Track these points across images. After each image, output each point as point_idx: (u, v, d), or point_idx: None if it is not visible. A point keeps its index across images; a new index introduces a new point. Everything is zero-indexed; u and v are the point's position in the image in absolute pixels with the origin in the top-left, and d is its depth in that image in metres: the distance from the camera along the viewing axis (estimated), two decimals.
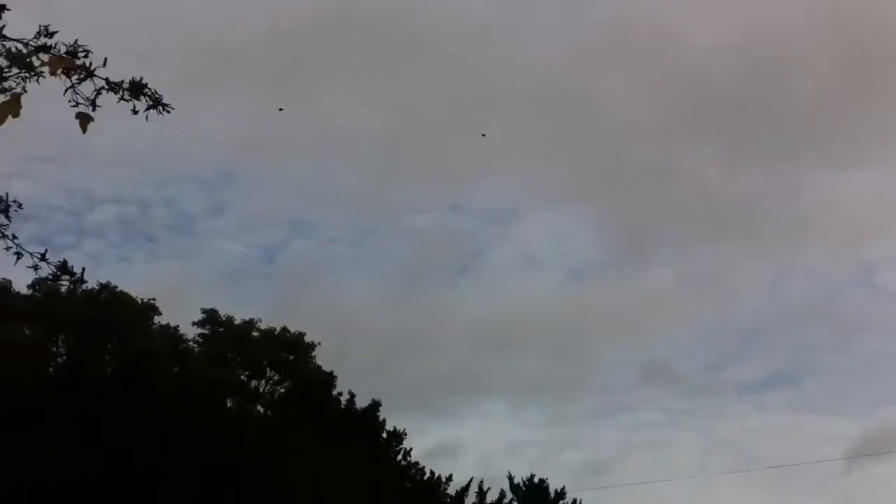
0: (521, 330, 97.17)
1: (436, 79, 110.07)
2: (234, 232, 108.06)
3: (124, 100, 6.97)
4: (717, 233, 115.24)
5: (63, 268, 10.63)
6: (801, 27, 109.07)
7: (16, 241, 10.86)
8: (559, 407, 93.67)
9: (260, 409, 46.81)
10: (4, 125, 6.97)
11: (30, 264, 11.85)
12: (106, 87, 6.93)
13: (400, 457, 46.81)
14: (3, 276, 37.36)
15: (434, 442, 76.90)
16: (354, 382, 50.01)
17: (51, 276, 11.06)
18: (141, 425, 38.23)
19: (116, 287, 39.96)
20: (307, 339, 47.60)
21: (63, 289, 39.36)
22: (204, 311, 46.75)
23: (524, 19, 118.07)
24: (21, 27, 7.11)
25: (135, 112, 6.99)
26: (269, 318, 56.97)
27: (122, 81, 6.93)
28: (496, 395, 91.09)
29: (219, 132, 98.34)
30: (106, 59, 6.91)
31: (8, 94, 7.04)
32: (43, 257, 10.58)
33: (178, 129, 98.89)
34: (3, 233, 10.79)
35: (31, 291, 38.97)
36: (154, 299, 42.09)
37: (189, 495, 37.82)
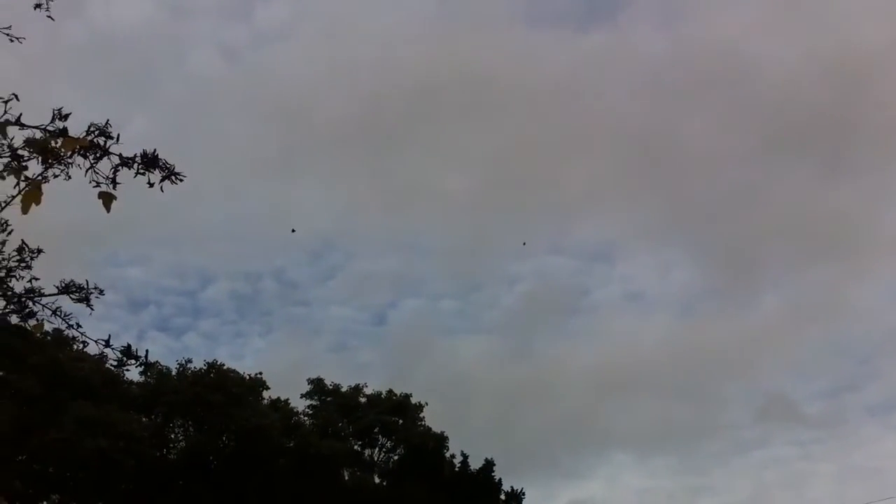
0: (636, 372, 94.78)
1: (523, 130, 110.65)
2: (344, 297, 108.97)
3: (140, 173, 6.75)
4: (819, 252, 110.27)
5: (127, 352, 10.52)
6: (882, 39, 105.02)
7: (80, 329, 10.92)
8: (685, 450, 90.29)
9: (376, 478, 46.45)
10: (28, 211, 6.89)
11: (95, 352, 11.92)
12: (120, 163, 6.73)
13: None
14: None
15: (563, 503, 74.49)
16: (468, 441, 49.18)
17: (115, 363, 11.01)
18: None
19: (223, 365, 40.61)
20: (413, 400, 47.40)
21: (173, 372, 40.40)
22: (310, 381, 47.14)
23: (600, 68, 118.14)
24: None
25: (150, 185, 6.76)
26: (381, 382, 57.19)
27: (135, 156, 6.71)
28: (619, 445, 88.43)
29: (319, 199, 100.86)
30: (118, 135, 6.73)
31: (29, 182, 6.97)
32: (107, 343, 10.51)
33: (280, 201, 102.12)
34: (68, 322, 10.83)
35: (141, 378, 40.05)
36: (261, 373, 42.68)
37: None
